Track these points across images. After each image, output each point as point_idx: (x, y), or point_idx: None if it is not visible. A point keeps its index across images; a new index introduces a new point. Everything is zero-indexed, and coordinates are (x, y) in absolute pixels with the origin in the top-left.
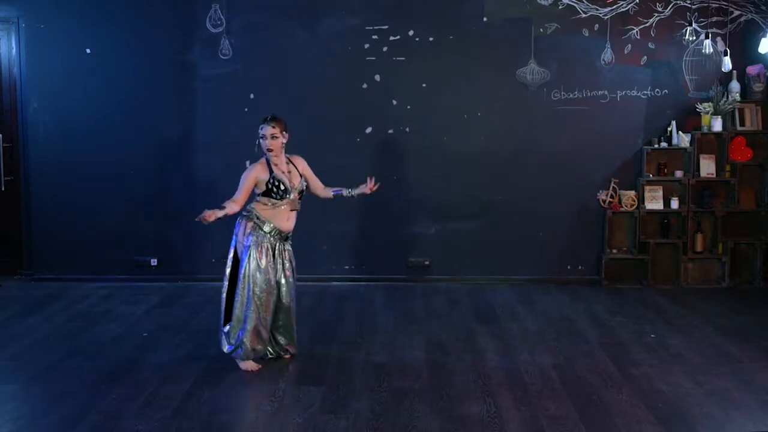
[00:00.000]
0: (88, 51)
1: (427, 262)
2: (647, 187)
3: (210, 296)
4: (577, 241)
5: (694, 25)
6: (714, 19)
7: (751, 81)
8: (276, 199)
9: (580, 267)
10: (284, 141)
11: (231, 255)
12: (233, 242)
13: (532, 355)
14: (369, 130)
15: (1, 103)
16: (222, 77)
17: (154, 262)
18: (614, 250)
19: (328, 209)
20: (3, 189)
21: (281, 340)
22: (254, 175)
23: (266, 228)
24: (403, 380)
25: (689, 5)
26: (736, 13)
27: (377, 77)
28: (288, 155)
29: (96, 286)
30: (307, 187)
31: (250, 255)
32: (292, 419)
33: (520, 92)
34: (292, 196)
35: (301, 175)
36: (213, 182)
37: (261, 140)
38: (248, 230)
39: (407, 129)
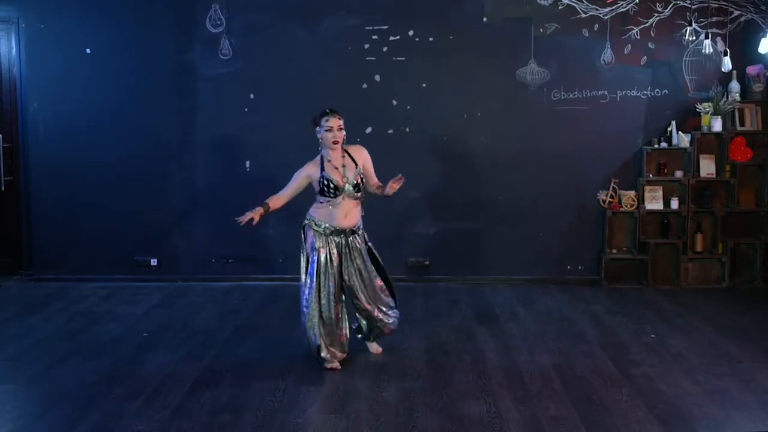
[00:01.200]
0: (88, 51)
1: (427, 262)
2: (647, 187)
3: (210, 296)
4: (577, 241)
5: (694, 25)
6: (714, 19)
7: (751, 81)
8: (330, 197)
9: (580, 267)
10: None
11: (303, 264)
12: (303, 253)
13: (532, 355)
14: (369, 130)
15: (1, 103)
16: (222, 77)
17: (154, 262)
18: (614, 250)
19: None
20: (3, 189)
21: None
22: (305, 173)
23: (327, 231)
24: (403, 380)
25: (689, 5)
26: (736, 13)
27: (377, 77)
28: (346, 146)
29: (96, 286)
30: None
31: (318, 258)
32: (292, 419)
33: (520, 92)
34: (347, 190)
35: (357, 166)
36: (213, 182)
37: (325, 133)
38: (313, 238)
39: (407, 129)
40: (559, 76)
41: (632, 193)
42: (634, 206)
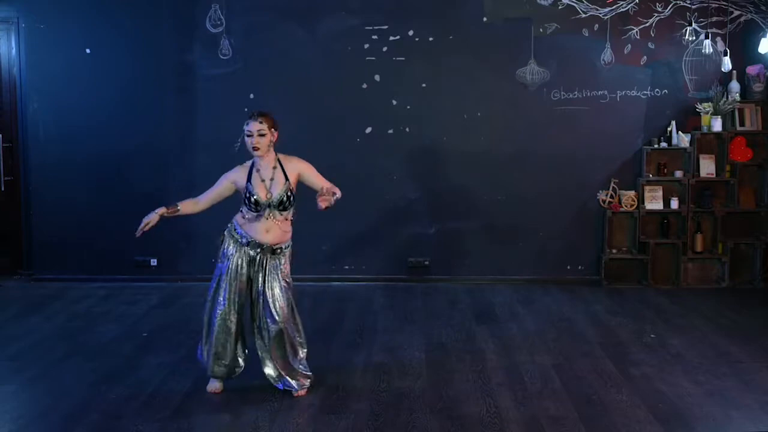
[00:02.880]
0: (88, 51)
1: (427, 262)
2: (647, 187)
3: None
4: (577, 241)
5: (694, 25)
6: (714, 19)
7: (751, 81)
8: (251, 211)
9: (580, 267)
10: (272, 139)
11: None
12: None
13: (532, 355)
14: (369, 130)
15: (1, 103)
16: (222, 77)
17: (154, 262)
18: (614, 250)
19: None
20: (3, 189)
21: (266, 370)
22: (231, 178)
23: (243, 241)
24: (403, 380)
25: (689, 5)
26: (736, 13)
27: (377, 77)
28: (282, 155)
29: (96, 286)
30: (294, 190)
31: (228, 265)
32: (292, 419)
33: (520, 92)
34: (267, 212)
35: (287, 181)
36: (213, 182)
37: (246, 138)
38: (227, 245)
39: (407, 129)
40: (559, 76)
41: (632, 193)
42: (634, 206)
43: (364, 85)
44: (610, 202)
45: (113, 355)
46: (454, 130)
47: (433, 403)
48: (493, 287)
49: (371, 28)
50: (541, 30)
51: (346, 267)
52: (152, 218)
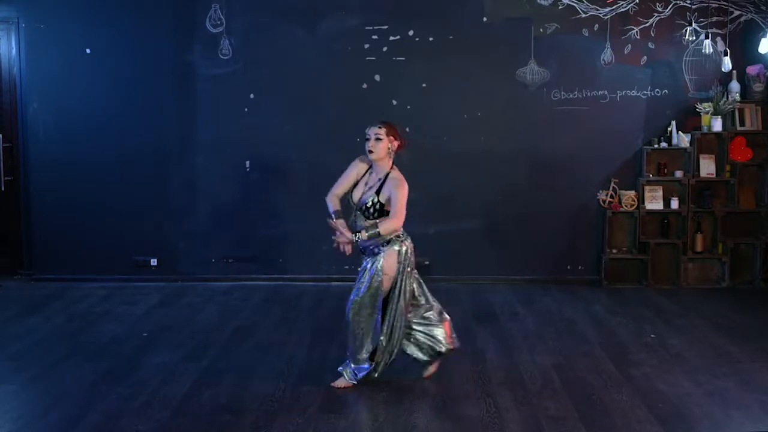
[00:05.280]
0: (88, 51)
1: (427, 262)
2: (647, 187)
3: (210, 296)
4: (577, 241)
5: (694, 25)
6: (714, 19)
7: (751, 81)
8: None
9: (580, 267)
10: (391, 147)
11: None
12: None
13: (532, 355)
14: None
15: (1, 103)
16: (222, 77)
17: (154, 262)
18: (614, 250)
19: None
20: (3, 189)
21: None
22: (354, 170)
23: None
24: (403, 380)
25: (689, 5)
26: (736, 13)
27: (377, 77)
28: (395, 172)
29: (96, 286)
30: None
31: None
32: (292, 419)
33: (520, 92)
34: (357, 210)
35: (376, 195)
36: (213, 182)
37: (366, 141)
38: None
39: (407, 129)
40: (559, 76)
41: (632, 193)
42: (634, 206)
43: (364, 85)
44: (610, 202)
45: (113, 355)
46: (454, 130)
47: (433, 403)
48: (493, 287)
49: (371, 28)
50: (541, 30)
51: (346, 267)
52: (339, 228)
